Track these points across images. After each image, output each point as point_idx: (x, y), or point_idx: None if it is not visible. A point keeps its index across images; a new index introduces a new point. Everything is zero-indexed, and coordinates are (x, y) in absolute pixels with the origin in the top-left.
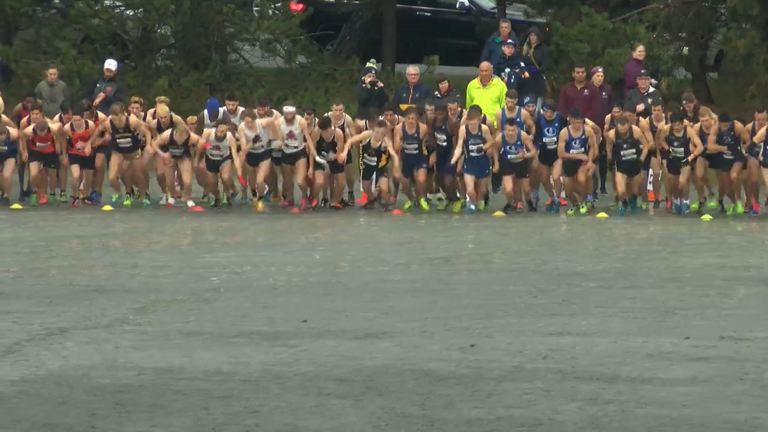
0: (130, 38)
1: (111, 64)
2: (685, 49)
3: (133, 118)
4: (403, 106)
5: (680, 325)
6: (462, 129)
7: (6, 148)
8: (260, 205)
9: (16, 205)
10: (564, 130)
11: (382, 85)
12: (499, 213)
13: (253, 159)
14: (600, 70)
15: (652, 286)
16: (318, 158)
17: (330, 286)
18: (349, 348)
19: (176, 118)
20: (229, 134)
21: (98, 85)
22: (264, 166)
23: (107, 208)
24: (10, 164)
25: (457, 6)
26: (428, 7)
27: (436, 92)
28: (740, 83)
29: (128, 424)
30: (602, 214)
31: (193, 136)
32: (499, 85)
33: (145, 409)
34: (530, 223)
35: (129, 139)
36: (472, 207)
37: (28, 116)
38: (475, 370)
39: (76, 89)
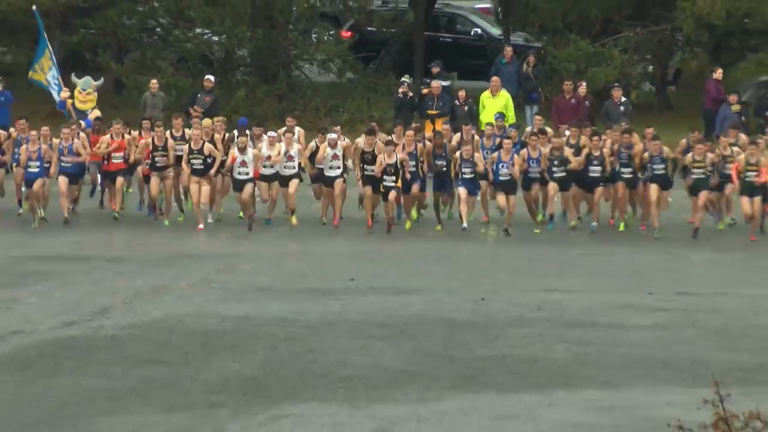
0: (215, 58)
1: (209, 78)
2: (650, 68)
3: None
4: (430, 112)
5: (645, 283)
6: (456, 155)
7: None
8: (293, 219)
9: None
10: (523, 151)
11: (412, 95)
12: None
13: (266, 178)
14: (584, 84)
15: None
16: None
17: (373, 253)
18: (388, 301)
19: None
20: (250, 149)
21: (198, 95)
22: (293, 184)
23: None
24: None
25: (472, 33)
26: (449, 35)
27: (456, 100)
28: (694, 95)
29: (214, 359)
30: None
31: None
32: (505, 95)
33: (227, 349)
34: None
35: (200, 161)
36: (465, 226)
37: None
38: (485, 318)
39: (174, 99)
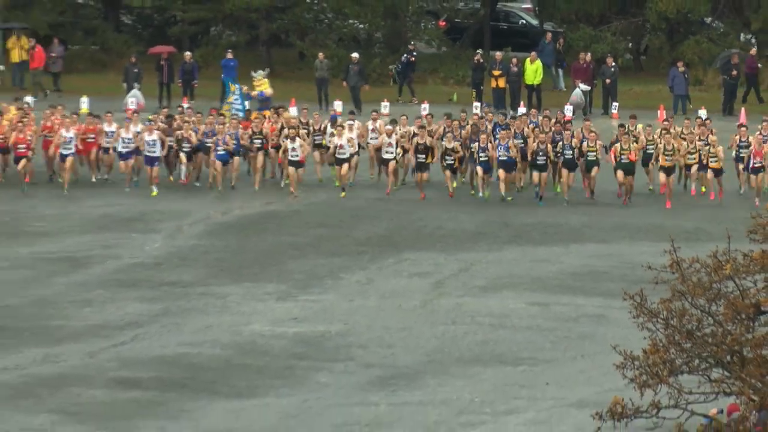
0: (361, 38)
1: (355, 55)
2: (630, 45)
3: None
4: (495, 72)
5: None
6: (475, 145)
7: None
8: (343, 194)
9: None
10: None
11: (483, 61)
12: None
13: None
14: (589, 55)
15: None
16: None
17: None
18: (466, 188)
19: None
20: (298, 139)
21: (350, 66)
22: (353, 161)
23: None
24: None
25: (519, 23)
26: (505, 23)
27: (510, 64)
28: (655, 61)
29: (360, 224)
30: None
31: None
32: (537, 63)
33: (368, 218)
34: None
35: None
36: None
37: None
38: (527, 200)
39: (334, 64)
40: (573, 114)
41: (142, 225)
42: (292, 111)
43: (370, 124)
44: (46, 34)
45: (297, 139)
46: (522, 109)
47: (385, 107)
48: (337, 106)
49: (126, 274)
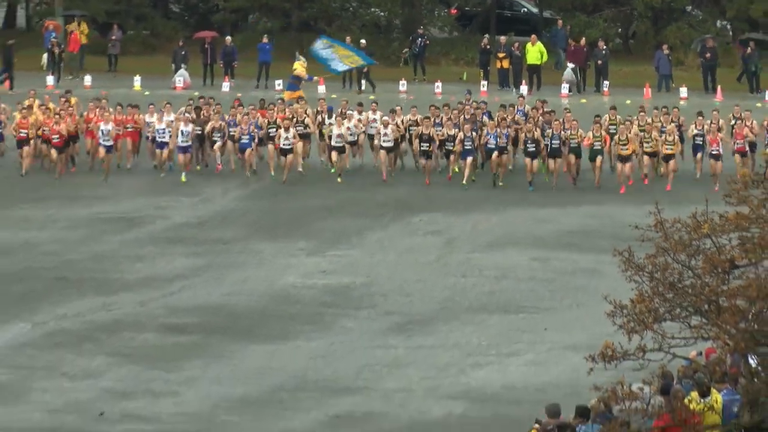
0: (381, 25)
1: (363, 41)
2: (619, 30)
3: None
4: (500, 54)
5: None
6: (483, 133)
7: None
8: (339, 180)
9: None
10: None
11: (489, 46)
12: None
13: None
14: (583, 39)
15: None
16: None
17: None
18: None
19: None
20: (292, 129)
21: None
22: (354, 149)
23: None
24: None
25: (521, 11)
26: (509, 11)
27: (512, 48)
28: (645, 46)
29: (380, 189)
30: None
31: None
32: (539, 45)
33: (385, 185)
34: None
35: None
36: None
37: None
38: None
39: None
40: (569, 91)
41: (189, 189)
42: (321, 89)
43: (370, 114)
44: (104, 20)
45: (291, 129)
46: (524, 87)
47: (402, 85)
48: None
49: (174, 232)
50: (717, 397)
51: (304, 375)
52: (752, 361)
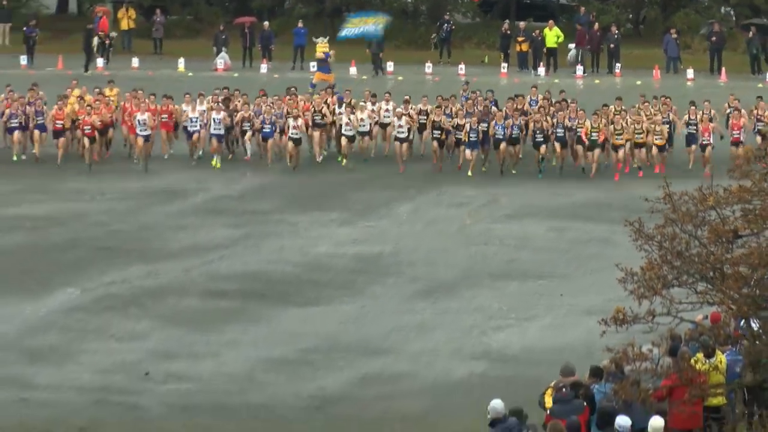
0: (408, 10)
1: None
2: (630, 16)
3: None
4: (519, 39)
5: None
6: (492, 123)
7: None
8: (344, 162)
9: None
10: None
11: (509, 32)
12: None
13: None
14: (597, 24)
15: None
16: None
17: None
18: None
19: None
20: (300, 119)
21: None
22: (365, 139)
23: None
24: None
25: None
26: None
27: (533, 33)
28: (652, 29)
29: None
30: None
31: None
32: (555, 30)
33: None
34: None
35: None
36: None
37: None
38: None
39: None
40: (584, 72)
41: (228, 165)
42: (352, 71)
43: (383, 105)
44: (150, 5)
45: (299, 119)
46: (541, 69)
47: (428, 67)
48: (389, 66)
49: (214, 204)
50: (721, 358)
51: (335, 337)
52: (754, 325)
